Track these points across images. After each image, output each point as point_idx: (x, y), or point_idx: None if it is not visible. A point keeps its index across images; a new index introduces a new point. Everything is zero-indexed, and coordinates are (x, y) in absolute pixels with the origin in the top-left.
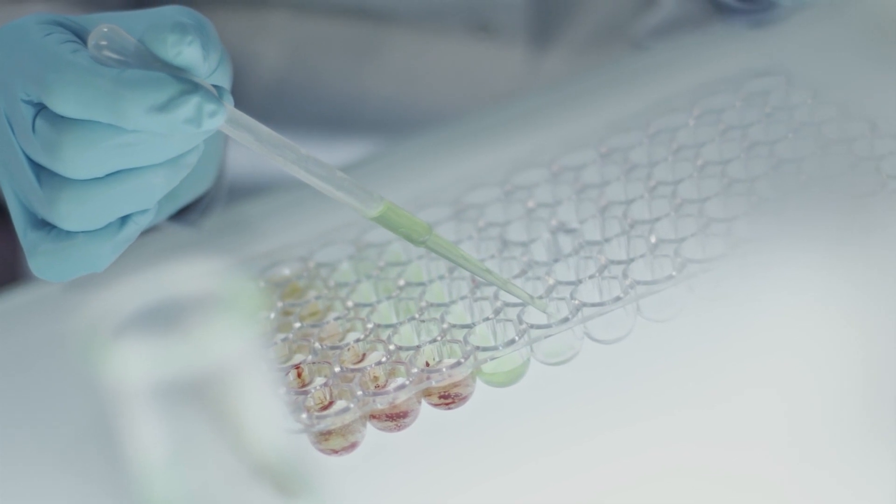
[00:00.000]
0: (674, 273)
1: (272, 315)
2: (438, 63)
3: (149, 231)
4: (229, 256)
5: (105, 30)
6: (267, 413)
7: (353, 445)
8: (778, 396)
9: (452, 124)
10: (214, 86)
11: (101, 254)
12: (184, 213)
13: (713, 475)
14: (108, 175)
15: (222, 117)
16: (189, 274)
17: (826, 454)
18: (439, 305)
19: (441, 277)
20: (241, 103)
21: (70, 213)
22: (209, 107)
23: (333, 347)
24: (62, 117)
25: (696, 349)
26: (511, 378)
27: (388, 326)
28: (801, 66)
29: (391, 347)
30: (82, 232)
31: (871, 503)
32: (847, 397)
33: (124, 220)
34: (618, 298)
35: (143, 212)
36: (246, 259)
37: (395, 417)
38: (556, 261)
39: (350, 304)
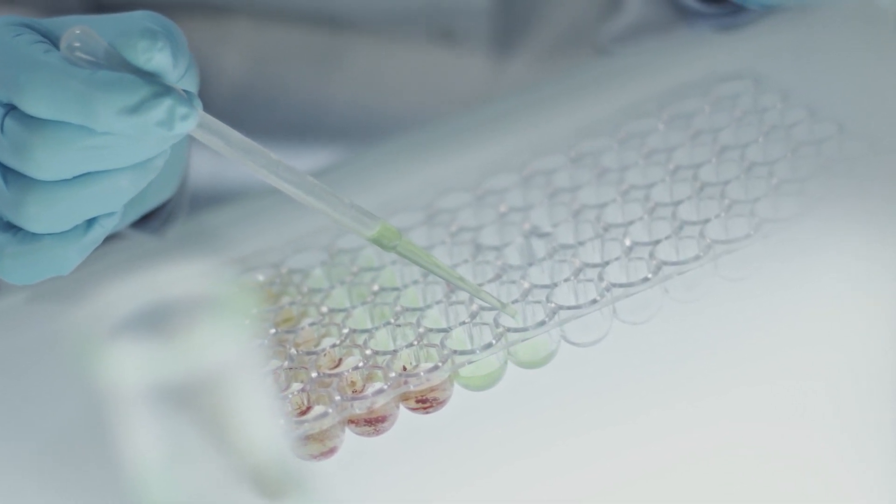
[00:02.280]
0: (649, 275)
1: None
2: (402, 70)
3: (112, 239)
4: (200, 263)
5: (78, 31)
6: (259, 416)
7: (331, 451)
8: (764, 396)
9: (420, 130)
10: (185, 91)
11: (67, 256)
12: (146, 221)
13: (693, 476)
14: (76, 177)
15: (194, 120)
16: (180, 277)
17: (822, 454)
18: (414, 310)
19: (415, 282)
20: (205, 111)
21: (37, 216)
22: (181, 110)
23: (309, 353)
24: (33, 118)
25: (671, 351)
26: (488, 381)
27: (363, 331)
28: (769, 69)
29: (368, 352)
30: (49, 234)
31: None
32: (845, 396)
33: (91, 222)
34: (594, 301)
35: (110, 215)
36: (217, 265)
37: (374, 422)
38: (530, 265)
39: (324, 309)
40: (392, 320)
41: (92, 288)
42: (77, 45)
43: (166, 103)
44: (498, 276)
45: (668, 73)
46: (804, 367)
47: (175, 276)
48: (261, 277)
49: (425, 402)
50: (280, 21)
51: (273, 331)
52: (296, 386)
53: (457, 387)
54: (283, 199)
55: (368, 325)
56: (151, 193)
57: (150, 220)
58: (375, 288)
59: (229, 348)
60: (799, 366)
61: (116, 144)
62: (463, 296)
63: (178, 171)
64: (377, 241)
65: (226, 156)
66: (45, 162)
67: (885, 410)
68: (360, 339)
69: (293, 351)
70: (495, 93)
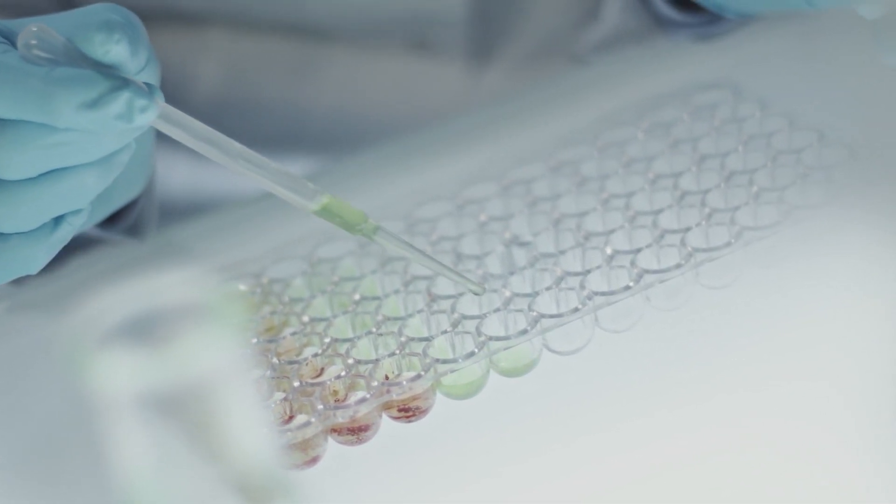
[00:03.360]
0: (631, 284)
1: None
2: (378, 80)
3: (91, 245)
4: (185, 272)
5: (34, 29)
6: (245, 424)
7: (314, 460)
8: (744, 403)
9: (398, 140)
10: (145, 83)
11: (35, 255)
12: (116, 220)
13: (674, 483)
14: (40, 175)
15: (154, 112)
16: (166, 286)
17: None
18: (396, 319)
19: (396, 291)
20: None
21: (3, 215)
22: (140, 102)
23: (291, 362)
24: None
25: (652, 359)
26: (471, 390)
27: (345, 341)
28: (747, 78)
29: (350, 361)
30: (16, 233)
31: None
32: (826, 402)
33: (58, 220)
34: (576, 309)
35: (77, 212)
36: (202, 274)
37: (357, 431)
38: (511, 273)
39: (305, 319)
40: (374, 329)
41: (77, 297)
42: (34, 42)
43: (124, 96)
44: (479, 285)
45: (647, 82)
46: (785, 373)
47: (161, 285)
48: (242, 287)
49: (408, 411)
50: (257, 31)
51: (255, 340)
52: (278, 395)
53: (439, 395)
54: (261, 209)
55: (350, 335)
56: (118, 191)
57: (120, 220)
58: (356, 297)
59: (216, 356)
60: (780, 372)
61: (79, 141)
62: (444, 305)
63: (145, 167)
64: (345, 225)
65: (190, 146)
66: (8, 161)
67: (870, 420)
68: (342, 349)
69: (275, 360)
70: (472, 102)
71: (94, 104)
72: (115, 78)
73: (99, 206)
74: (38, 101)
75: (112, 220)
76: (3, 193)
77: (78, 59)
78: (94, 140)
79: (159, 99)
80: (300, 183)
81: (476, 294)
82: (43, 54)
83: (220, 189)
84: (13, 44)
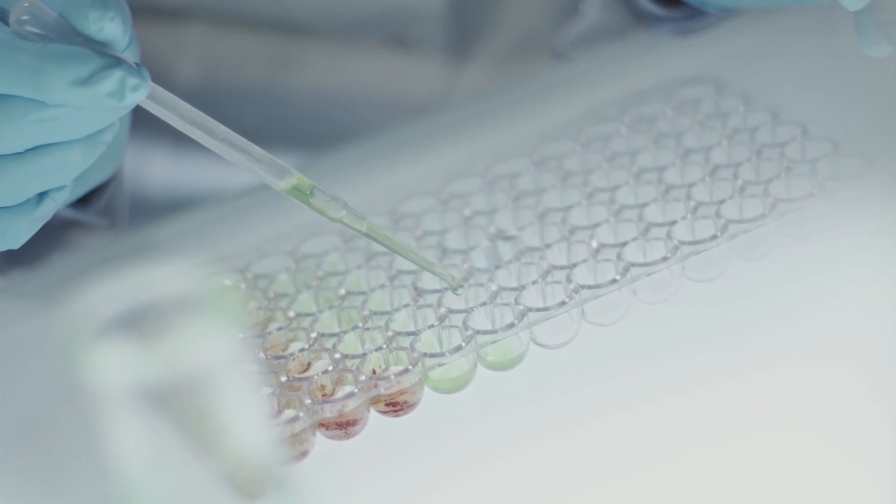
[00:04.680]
0: (617, 277)
1: None
2: (357, 76)
3: (61, 225)
4: (176, 265)
5: (26, 4)
6: (238, 417)
7: (302, 454)
8: (729, 394)
9: (380, 135)
10: (135, 63)
11: (18, 230)
12: (89, 203)
13: (659, 474)
14: (27, 150)
15: (145, 91)
16: (166, 276)
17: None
18: (382, 314)
19: (382, 286)
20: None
21: None
22: (132, 81)
23: (278, 357)
24: None
25: (639, 352)
26: (458, 384)
27: (331, 335)
28: (729, 72)
29: (337, 356)
30: (0, 207)
31: None
32: (813, 393)
33: (42, 196)
34: (563, 303)
35: (60, 188)
36: (195, 267)
37: (345, 426)
38: (497, 267)
39: (291, 314)
40: (360, 324)
41: (68, 290)
42: (26, 18)
43: (117, 74)
44: (465, 279)
45: (628, 77)
46: (769, 365)
47: (152, 279)
48: (227, 282)
49: (396, 406)
50: (235, 27)
51: (241, 335)
52: (265, 390)
53: (427, 389)
54: (244, 205)
55: (336, 330)
56: (95, 170)
57: (92, 202)
58: (342, 292)
59: (210, 349)
60: (765, 364)
61: (67, 117)
62: (431, 299)
63: (119, 148)
64: (322, 211)
65: (177, 127)
66: None
67: (858, 422)
68: (329, 343)
69: (262, 356)
70: (451, 98)
71: (86, 81)
72: (107, 56)
73: (77, 183)
74: (29, 77)
75: (84, 202)
76: None
77: (70, 36)
78: (82, 117)
79: (148, 79)
80: (283, 168)
81: (454, 292)
82: (35, 30)
83: (200, 185)
84: (4, 20)
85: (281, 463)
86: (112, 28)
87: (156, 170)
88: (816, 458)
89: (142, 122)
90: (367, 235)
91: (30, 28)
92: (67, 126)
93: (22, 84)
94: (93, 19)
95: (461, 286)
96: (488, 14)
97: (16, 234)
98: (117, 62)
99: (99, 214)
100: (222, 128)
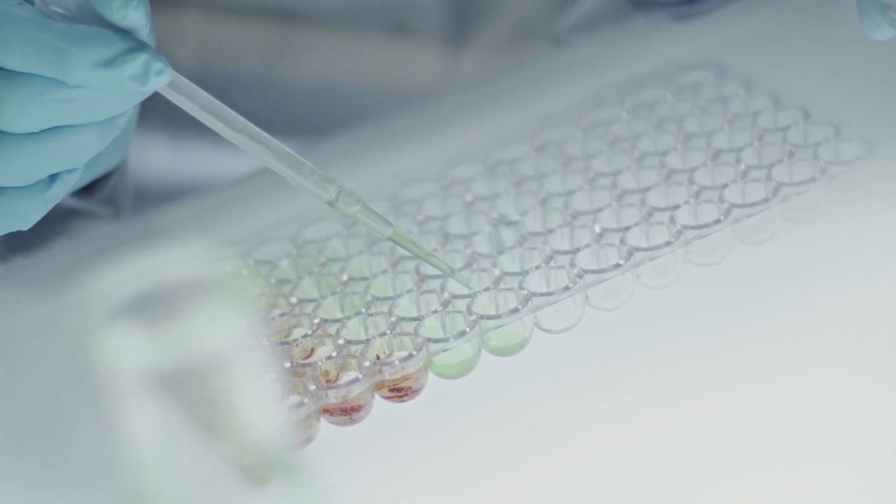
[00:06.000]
0: (621, 262)
1: None
2: (356, 63)
3: (64, 213)
4: (187, 248)
5: None
6: (249, 401)
7: (307, 440)
8: (733, 380)
9: (379, 122)
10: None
11: (29, 210)
12: (92, 191)
13: (664, 458)
14: (43, 130)
15: (168, 76)
16: (172, 263)
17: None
18: (385, 299)
19: (384, 272)
20: (157, 104)
21: (2, 168)
22: (156, 65)
23: (281, 343)
24: (5, 70)
25: (642, 337)
26: (463, 369)
27: (335, 321)
28: (729, 57)
29: (340, 342)
30: (11, 188)
31: None
32: (811, 383)
33: (53, 178)
34: (566, 288)
35: (72, 171)
36: (205, 250)
37: (349, 411)
38: (500, 253)
39: (294, 300)
40: (363, 310)
41: (76, 275)
42: None
43: (142, 58)
44: (468, 265)
45: (628, 63)
46: (773, 350)
47: (159, 264)
48: (229, 269)
49: (400, 391)
50: (233, 14)
51: (245, 321)
52: (269, 377)
53: (431, 375)
54: (245, 192)
55: (339, 315)
56: (105, 156)
57: (95, 191)
58: (344, 278)
59: (218, 334)
60: (768, 349)
61: (86, 99)
62: (434, 284)
63: (128, 135)
64: (334, 205)
65: (196, 116)
66: (13, 114)
67: (856, 419)
68: (332, 329)
69: (265, 342)
70: (451, 85)
71: (110, 63)
72: (132, 39)
73: (85, 170)
74: (52, 56)
75: (88, 190)
76: (4, 146)
77: (92, 21)
78: (101, 100)
79: (169, 65)
80: (297, 159)
81: (464, 285)
82: (60, 10)
83: (199, 172)
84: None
85: (290, 448)
86: (136, 16)
87: (154, 158)
88: (819, 441)
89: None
90: (392, 240)
91: (55, 8)
92: (85, 108)
93: (44, 63)
94: (116, 6)
95: (468, 281)
96: (487, 0)
97: (26, 215)
98: (142, 46)
99: (102, 203)
100: (240, 118)
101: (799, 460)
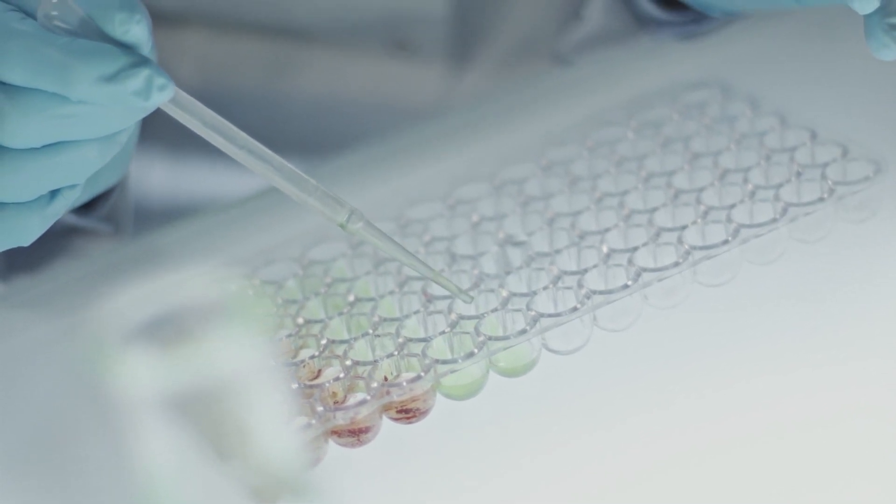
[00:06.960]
0: (629, 282)
1: None
2: (358, 81)
3: (64, 230)
4: (195, 270)
5: (55, 0)
6: (263, 422)
7: (315, 462)
8: (741, 399)
9: (383, 140)
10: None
11: (29, 226)
12: (92, 209)
13: (674, 480)
14: (44, 146)
15: (171, 91)
16: (180, 284)
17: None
18: (393, 320)
19: (391, 293)
20: (157, 121)
21: (3, 183)
22: (159, 80)
23: (288, 364)
24: (6, 84)
25: (651, 358)
26: (471, 391)
27: (342, 342)
28: (735, 76)
29: (348, 363)
30: (12, 203)
31: None
32: (824, 399)
33: (54, 193)
34: (574, 309)
35: (72, 187)
36: (218, 271)
37: (357, 433)
38: (507, 273)
39: (300, 321)
40: (370, 331)
41: (75, 297)
42: (55, 13)
43: (145, 73)
44: (476, 285)
45: (633, 81)
46: (783, 370)
47: (167, 285)
48: (234, 289)
49: (408, 412)
50: (234, 31)
51: (256, 343)
52: (277, 397)
53: (439, 396)
54: (248, 211)
55: (346, 336)
56: (105, 173)
57: (95, 208)
58: (351, 298)
59: (230, 355)
60: (778, 369)
61: (88, 114)
62: (441, 305)
63: (129, 153)
64: (343, 226)
65: (197, 132)
66: (15, 129)
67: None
68: (340, 350)
69: (272, 363)
70: (453, 103)
71: (112, 78)
72: (135, 54)
73: (86, 186)
74: (55, 71)
75: (88, 208)
76: (4, 161)
77: (94, 36)
78: (103, 115)
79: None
80: (301, 176)
81: (466, 303)
82: (63, 25)
83: (200, 191)
84: (29, 14)
85: (299, 468)
86: (138, 31)
87: (155, 175)
88: (826, 462)
89: (140, 128)
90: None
91: (58, 23)
92: (87, 124)
93: (46, 77)
94: (119, 21)
95: (472, 299)
96: (490, 18)
97: (27, 230)
98: (144, 61)
99: (103, 220)
100: (242, 134)
101: (808, 481)
